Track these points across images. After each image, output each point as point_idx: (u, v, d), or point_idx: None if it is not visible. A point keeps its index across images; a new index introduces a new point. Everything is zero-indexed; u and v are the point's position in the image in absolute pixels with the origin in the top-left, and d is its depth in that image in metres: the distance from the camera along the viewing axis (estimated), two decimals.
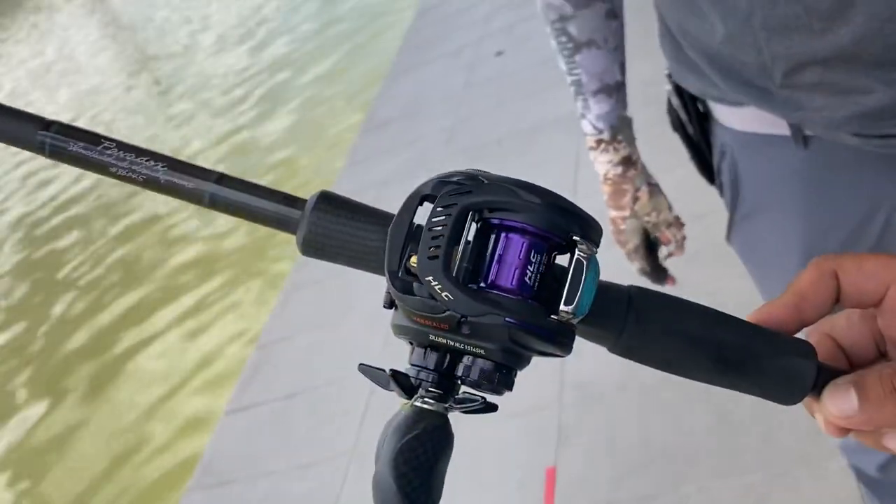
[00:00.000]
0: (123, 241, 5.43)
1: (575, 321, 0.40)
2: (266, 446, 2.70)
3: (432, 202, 0.40)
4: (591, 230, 0.40)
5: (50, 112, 8.18)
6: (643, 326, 0.42)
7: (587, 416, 2.17)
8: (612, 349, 0.43)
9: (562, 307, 0.39)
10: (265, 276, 4.20)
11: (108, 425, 3.70)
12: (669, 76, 1.01)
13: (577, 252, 0.39)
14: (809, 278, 0.43)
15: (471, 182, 0.40)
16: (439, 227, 0.39)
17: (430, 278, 0.39)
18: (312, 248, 0.43)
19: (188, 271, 4.63)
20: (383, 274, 0.41)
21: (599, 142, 1.12)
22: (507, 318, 0.38)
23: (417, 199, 0.41)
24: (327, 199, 0.43)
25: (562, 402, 2.22)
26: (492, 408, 0.42)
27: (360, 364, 0.43)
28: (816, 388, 0.42)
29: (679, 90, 0.99)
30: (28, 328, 4.92)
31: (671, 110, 1.04)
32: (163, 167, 0.43)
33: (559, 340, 0.40)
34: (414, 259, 0.40)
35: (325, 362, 2.93)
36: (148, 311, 4.38)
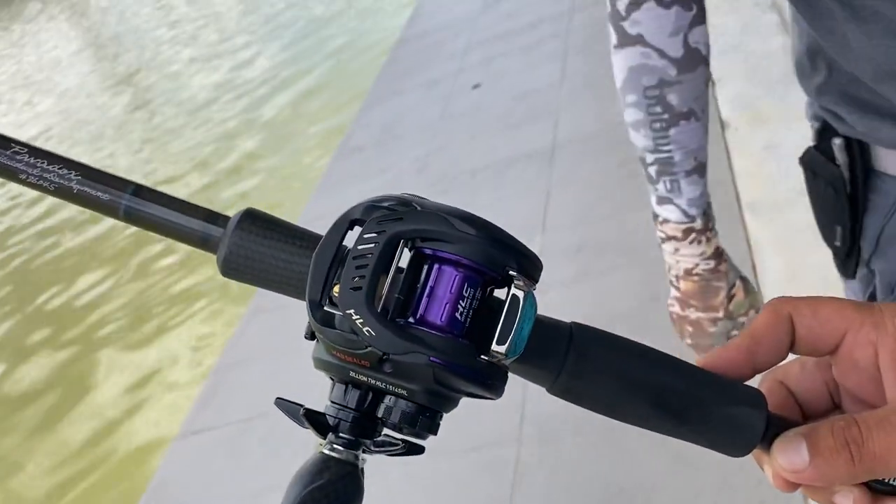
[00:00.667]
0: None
1: (507, 362, 0.37)
2: (218, 472, 2.63)
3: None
4: (529, 265, 0.38)
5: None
6: (583, 366, 0.39)
7: (546, 453, 2.14)
8: (550, 390, 0.40)
9: (494, 347, 0.36)
10: (230, 297, 4.15)
11: (55, 449, 3.60)
12: (821, 123, 0.86)
13: (512, 288, 0.37)
14: (765, 321, 0.41)
15: (403, 208, 0.37)
16: (365, 256, 0.37)
17: (352, 311, 0.36)
18: (233, 269, 0.40)
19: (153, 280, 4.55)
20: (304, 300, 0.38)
21: (689, 231, 0.94)
22: (431, 358, 0.36)
23: (346, 223, 0.38)
24: (252, 218, 0.41)
25: (521, 438, 2.19)
26: (416, 450, 0.39)
27: (277, 398, 0.40)
28: (766, 440, 0.40)
29: (848, 144, 0.82)
30: None
31: (821, 166, 0.85)
32: (76, 176, 0.41)
33: (488, 383, 0.37)
34: (337, 288, 0.37)
35: (282, 389, 2.82)
36: (108, 327, 4.29)
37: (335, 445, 0.38)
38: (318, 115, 6.10)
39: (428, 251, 0.37)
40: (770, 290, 2.21)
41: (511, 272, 0.37)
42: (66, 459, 3.46)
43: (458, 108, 4.61)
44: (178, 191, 5.37)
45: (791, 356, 0.42)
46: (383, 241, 0.37)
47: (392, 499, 2.17)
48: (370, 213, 0.38)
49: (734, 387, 0.40)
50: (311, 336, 0.39)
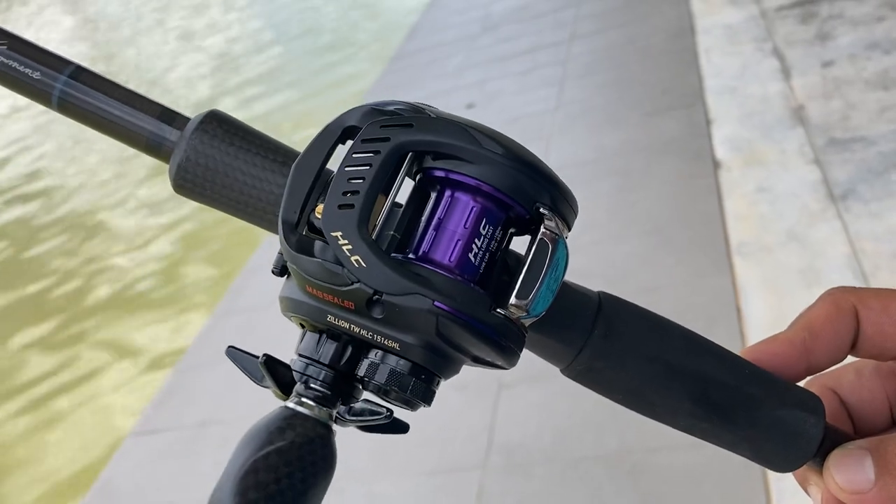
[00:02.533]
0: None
1: (527, 321, 0.29)
2: (168, 475, 2.52)
3: None
4: (564, 204, 0.30)
5: None
6: (611, 344, 0.31)
7: (511, 484, 2.05)
8: (566, 370, 0.32)
9: (512, 300, 0.28)
10: (196, 299, 4.04)
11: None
12: None
13: (542, 229, 0.29)
14: (825, 313, 0.33)
15: (413, 114, 0.29)
16: (361, 167, 0.28)
17: (339, 234, 0.28)
18: (188, 182, 0.32)
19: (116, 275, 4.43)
20: (276, 231, 0.30)
21: None
22: (436, 303, 0.28)
23: (338, 132, 0.29)
24: (217, 121, 0.32)
25: (486, 466, 2.10)
26: (400, 427, 0.31)
27: (229, 347, 0.32)
28: (819, 454, 0.32)
29: None
30: None
31: None
32: (2, 46, 0.32)
33: (502, 343, 0.29)
34: (320, 209, 0.29)
35: (242, 396, 2.76)
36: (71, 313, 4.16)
37: (304, 399, 0.30)
38: (304, 121, 6.03)
39: (439, 172, 0.29)
40: (754, 333, 2.15)
41: (542, 210, 0.29)
42: (5, 449, 3.32)
43: None
44: None
45: (849, 358, 0.35)
46: (386, 151, 0.28)
47: None
48: (370, 119, 0.29)
49: (788, 387, 0.33)
50: (280, 271, 0.31)
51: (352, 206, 0.28)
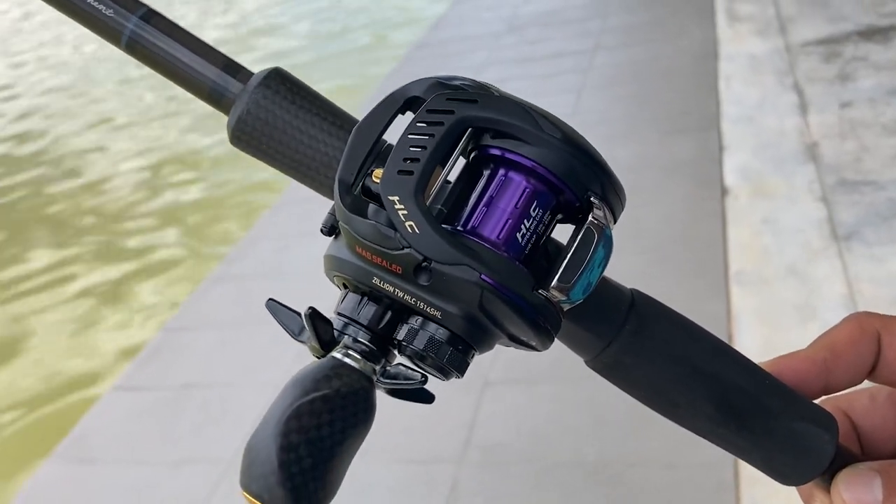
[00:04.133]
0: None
1: (566, 306, 0.30)
2: (144, 434, 2.52)
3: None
4: (614, 196, 0.30)
5: None
6: (641, 341, 0.32)
7: (486, 480, 2.06)
8: (591, 362, 0.33)
9: (554, 282, 0.29)
10: (201, 255, 4.03)
11: None
12: None
13: (591, 217, 0.29)
14: (848, 335, 0.34)
15: (478, 91, 0.30)
16: (423, 136, 0.29)
17: (396, 199, 0.28)
18: (246, 135, 0.33)
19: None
20: (328, 194, 0.31)
21: None
22: (483, 276, 0.28)
23: (401, 101, 0.30)
24: (281, 78, 0.33)
25: (463, 460, 2.11)
26: (426, 397, 0.31)
27: (270, 300, 0.32)
28: (829, 471, 0.33)
29: None
30: None
31: None
32: None
33: (540, 324, 0.30)
34: (378, 173, 0.29)
35: (228, 363, 2.77)
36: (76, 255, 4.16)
37: (351, 351, 0.30)
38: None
39: (496, 151, 0.29)
40: None
41: (593, 199, 0.30)
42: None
43: None
44: None
45: (865, 383, 0.35)
46: (449, 123, 0.29)
47: None
48: (435, 91, 0.30)
49: (805, 402, 0.33)
50: (329, 230, 0.31)
51: (411, 172, 0.28)
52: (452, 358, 0.30)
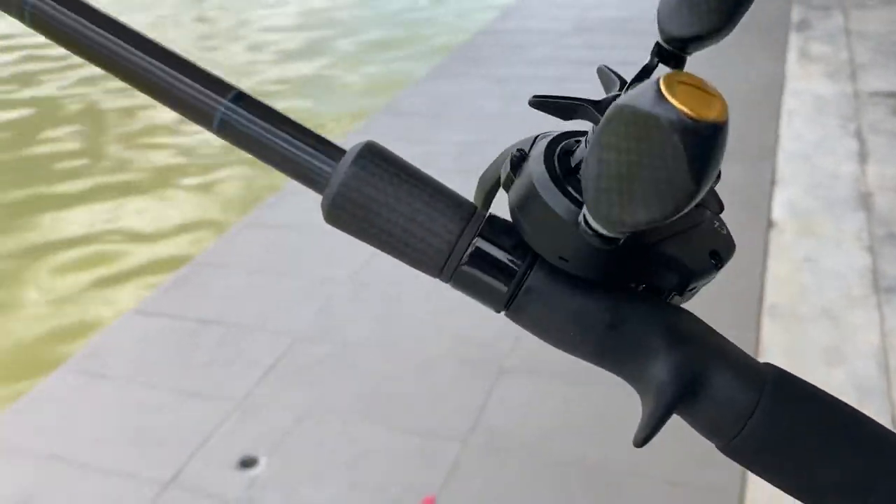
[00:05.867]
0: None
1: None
2: (157, 359, 2.54)
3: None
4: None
5: None
6: (777, 420, 0.31)
7: (487, 465, 2.05)
8: (723, 448, 0.33)
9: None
10: (253, 188, 4.05)
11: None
12: None
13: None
14: None
15: None
16: None
17: None
18: (343, 213, 0.32)
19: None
20: (426, 270, 0.32)
21: None
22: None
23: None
24: (372, 154, 0.33)
25: (467, 441, 2.11)
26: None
27: (534, 96, 0.35)
28: None
29: None
30: None
31: None
32: (169, 69, 0.33)
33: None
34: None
35: (251, 305, 2.78)
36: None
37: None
38: (376, 62, 6.02)
39: None
40: None
41: None
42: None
43: (515, 110, 4.53)
44: None
45: None
46: None
47: (319, 454, 2.09)
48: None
49: None
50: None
51: None
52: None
